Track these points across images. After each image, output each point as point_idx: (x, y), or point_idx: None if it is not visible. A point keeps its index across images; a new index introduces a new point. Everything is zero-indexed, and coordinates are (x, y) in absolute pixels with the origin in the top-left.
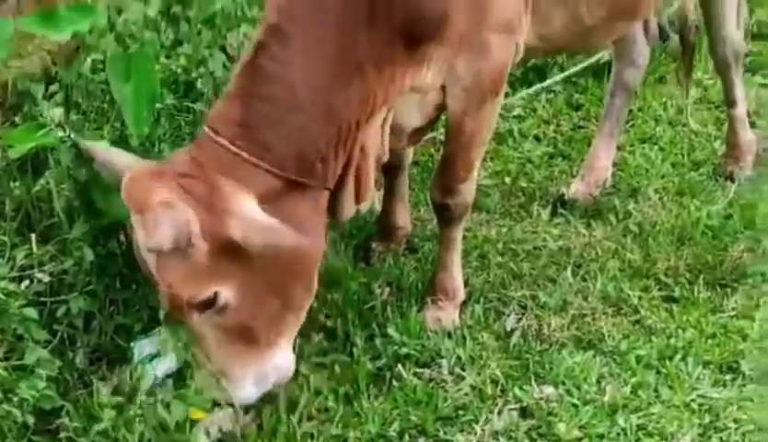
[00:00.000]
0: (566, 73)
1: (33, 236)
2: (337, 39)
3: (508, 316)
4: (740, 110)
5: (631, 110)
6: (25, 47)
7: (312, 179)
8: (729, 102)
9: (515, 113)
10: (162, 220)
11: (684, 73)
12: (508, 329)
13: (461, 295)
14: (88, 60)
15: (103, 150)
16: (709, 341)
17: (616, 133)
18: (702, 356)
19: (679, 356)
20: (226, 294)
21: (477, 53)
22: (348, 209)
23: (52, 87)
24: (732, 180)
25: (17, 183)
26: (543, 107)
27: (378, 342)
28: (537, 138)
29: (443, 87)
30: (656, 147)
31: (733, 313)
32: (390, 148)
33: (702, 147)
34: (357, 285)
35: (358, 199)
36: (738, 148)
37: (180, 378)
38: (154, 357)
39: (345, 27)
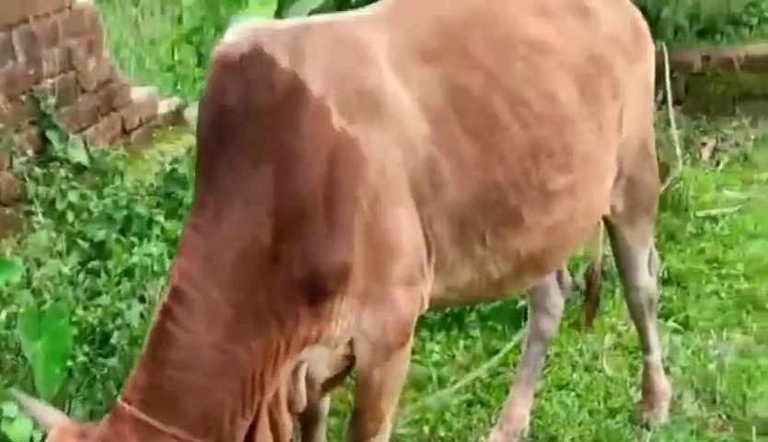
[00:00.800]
0: None
1: None
2: (237, 298)
3: None
4: (655, 356)
5: (548, 356)
6: None
7: (222, 440)
8: (644, 348)
9: (433, 358)
10: None
11: (586, 319)
12: None
13: None
14: (4, 313)
15: (37, 405)
16: None
17: (533, 381)
18: None
19: None
20: None
21: (381, 306)
22: None
23: None
24: (647, 428)
25: None
26: (462, 353)
27: None
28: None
29: (351, 340)
30: (572, 394)
31: None
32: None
33: (617, 394)
34: None
35: None
36: (654, 395)
37: None
38: None
39: (244, 286)
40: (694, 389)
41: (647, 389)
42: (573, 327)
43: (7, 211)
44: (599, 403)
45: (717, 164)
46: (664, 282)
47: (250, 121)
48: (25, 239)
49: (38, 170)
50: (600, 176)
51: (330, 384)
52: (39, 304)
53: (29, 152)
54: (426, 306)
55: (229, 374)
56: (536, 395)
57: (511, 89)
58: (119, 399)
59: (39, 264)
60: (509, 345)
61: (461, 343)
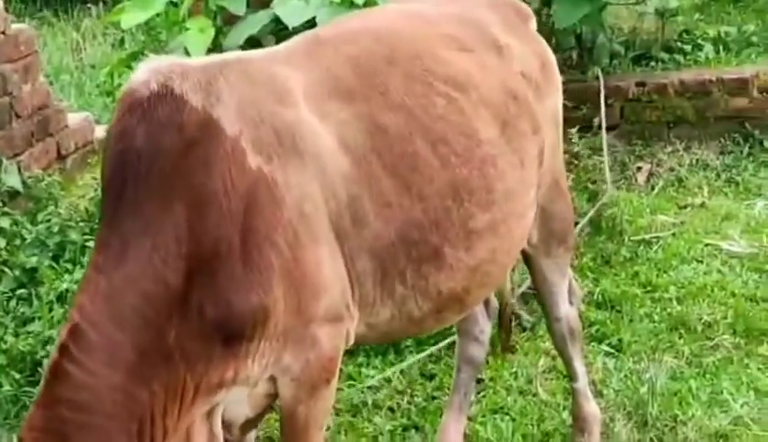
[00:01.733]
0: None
1: None
2: (140, 340)
3: None
4: (582, 383)
5: (482, 380)
6: None
7: None
8: (570, 376)
9: (369, 383)
10: None
11: (502, 347)
12: None
13: None
14: None
15: None
16: None
17: (465, 407)
18: None
19: None
20: None
21: (304, 345)
22: None
23: None
24: None
25: None
26: (397, 377)
27: None
28: (391, 409)
29: (272, 377)
30: (507, 418)
31: None
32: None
33: (551, 417)
34: None
35: None
36: (584, 420)
37: None
38: None
39: (149, 328)
40: (626, 413)
41: (577, 415)
42: (507, 351)
43: None
44: (532, 427)
45: (653, 188)
46: (598, 305)
47: (158, 162)
48: None
49: None
50: (522, 212)
51: (250, 424)
52: None
53: None
54: (352, 341)
55: (127, 416)
56: (470, 419)
57: (431, 128)
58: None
59: None
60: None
61: (397, 367)
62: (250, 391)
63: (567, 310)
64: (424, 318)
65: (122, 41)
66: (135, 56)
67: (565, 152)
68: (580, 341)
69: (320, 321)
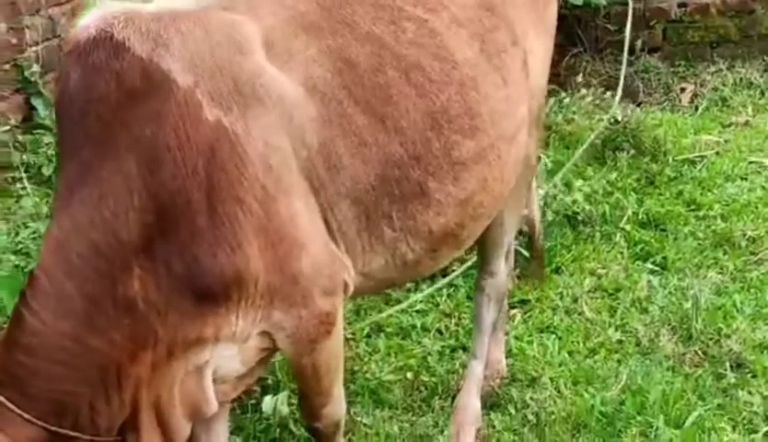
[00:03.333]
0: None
1: None
2: (91, 290)
3: None
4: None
5: (528, 301)
6: None
7: (77, 429)
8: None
9: (417, 308)
10: None
11: (534, 271)
12: None
13: None
14: None
15: None
16: None
17: (500, 325)
18: None
19: None
20: None
21: (294, 302)
22: None
23: None
24: None
25: None
26: (445, 301)
27: None
28: (439, 332)
29: (266, 333)
30: (553, 336)
31: None
32: (219, 400)
33: (597, 334)
34: None
35: None
36: (463, 413)
37: None
38: None
39: (101, 279)
40: (671, 328)
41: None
42: (554, 273)
43: None
44: (578, 344)
45: (697, 109)
46: (642, 225)
47: (93, 108)
48: (14, 205)
49: (24, 138)
50: (513, 134)
51: (243, 380)
52: (23, 266)
53: (15, 120)
54: (351, 290)
55: (84, 364)
56: (517, 338)
57: (403, 55)
58: None
59: (25, 228)
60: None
61: (444, 291)
62: (241, 348)
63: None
64: (420, 259)
65: None
66: None
67: (609, 75)
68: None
69: (308, 277)
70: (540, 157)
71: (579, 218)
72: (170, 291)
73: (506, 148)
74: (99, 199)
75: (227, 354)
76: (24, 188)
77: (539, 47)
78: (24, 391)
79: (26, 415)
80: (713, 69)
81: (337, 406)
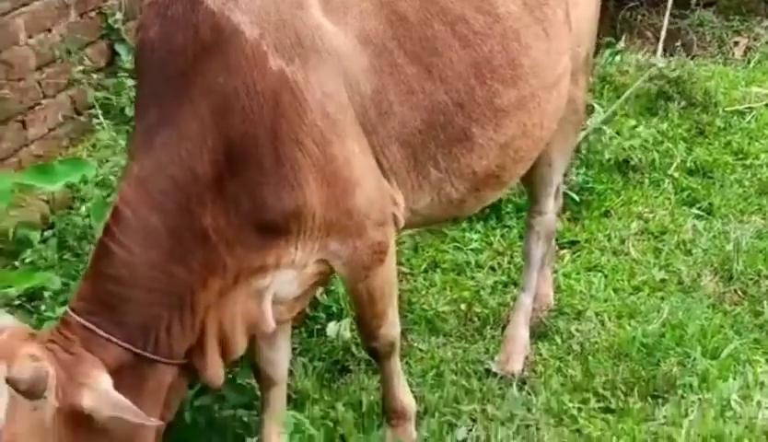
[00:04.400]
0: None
1: None
2: (173, 222)
3: (459, 428)
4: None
5: (578, 242)
6: (24, 198)
7: (158, 352)
8: None
9: (472, 246)
10: (26, 365)
11: None
12: (459, 439)
13: (412, 410)
14: (83, 207)
15: None
16: None
17: (547, 262)
18: None
19: None
20: None
21: (349, 234)
22: (212, 372)
23: (47, 233)
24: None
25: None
26: (498, 240)
27: None
28: (492, 268)
29: (323, 260)
30: (599, 275)
31: (663, 421)
32: (276, 319)
33: (641, 274)
34: (323, 405)
35: (226, 358)
36: (512, 342)
37: None
38: None
39: (180, 211)
40: (713, 269)
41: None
42: (603, 216)
43: (81, 119)
44: (623, 282)
45: (749, 62)
46: (690, 172)
47: (172, 58)
48: (97, 143)
49: (108, 81)
50: (553, 82)
51: (299, 302)
52: (107, 195)
53: (99, 64)
54: (402, 224)
55: (166, 289)
56: (566, 275)
57: (449, 8)
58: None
59: (106, 162)
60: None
61: (498, 231)
62: (299, 273)
63: (552, 206)
64: (464, 198)
65: None
66: None
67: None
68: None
69: (361, 211)
70: (593, 106)
71: (630, 165)
72: (238, 224)
73: (546, 97)
74: (178, 140)
75: (286, 279)
76: (100, 123)
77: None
78: (113, 318)
79: (115, 340)
80: (766, 23)
81: (391, 328)
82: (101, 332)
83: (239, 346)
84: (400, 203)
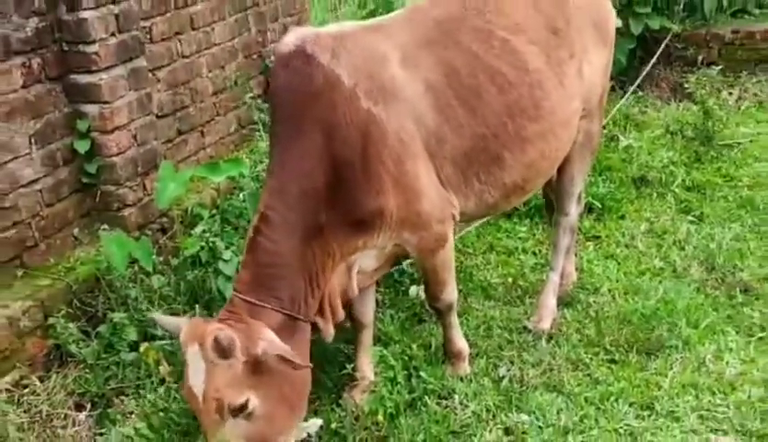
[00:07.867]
0: None
1: (197, 308)
2: (303, 219)
3: (501, 367)
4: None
5: (599, 236)
6: (199, 186)
7: (301, 313)
8: (552, 268)
9: (519, 235)
10: (220, 335)
11: (548, 220)
12: (501, 375)
13: (466, 352)
14: (241, 195)
15: (164, 318)
16: (635, 389)
17: (572, 248)
18: (629, 399)
19: (613, 398)
20: (254, 400)
21: (417, 226)
22: (328, 330)
23: (214, 211)
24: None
25: (188, 272)
26: (540, 232)
27: (413, 381)
28: (534, 253)
29: (398, 244)
30: (614, 262)
31: (654, 371)
32: (359, 285)
33: (645, 262)
34: (402, 345)
35: (334, 320)
36: (544, 308)
37: None
38: None
39: (308, 210)
40: (700, 261)
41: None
42: (619, 218)
43: (244, 131)
44: (631, 268)
45: (739, 108)
46: (688, 188)
47: (293, 98)
48: (255, 149)
49: (264, 104)
50: (567, 119)
51: (377, 272)
52: (257, 187)
53: (258, 91)
54: (458, 218)
55: (302, 267)
56: (589, 261)
57: (491, 64)
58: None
59: (260, 162)
60: None
61: (540, 226)
62: (379, 252)
63: (575, 209)
64: (497, 203)
65: (364, 3)
66: (371, 14)
67: (675, 81)
68: (573, 239)
69: (426, 212)
70: (617, 136)
71: (642, 181)
72: (342, 221)
73: (561, 130)
74: (301, 158)
75: (369, 254)
76: (260, 135)
77: (597, 57)
78: (271, 293)
79: (275, 307)
80: (754, 80)
81: (450, 292)
82: (264, 304)
83: (340, 308)
84: (455, 205)
